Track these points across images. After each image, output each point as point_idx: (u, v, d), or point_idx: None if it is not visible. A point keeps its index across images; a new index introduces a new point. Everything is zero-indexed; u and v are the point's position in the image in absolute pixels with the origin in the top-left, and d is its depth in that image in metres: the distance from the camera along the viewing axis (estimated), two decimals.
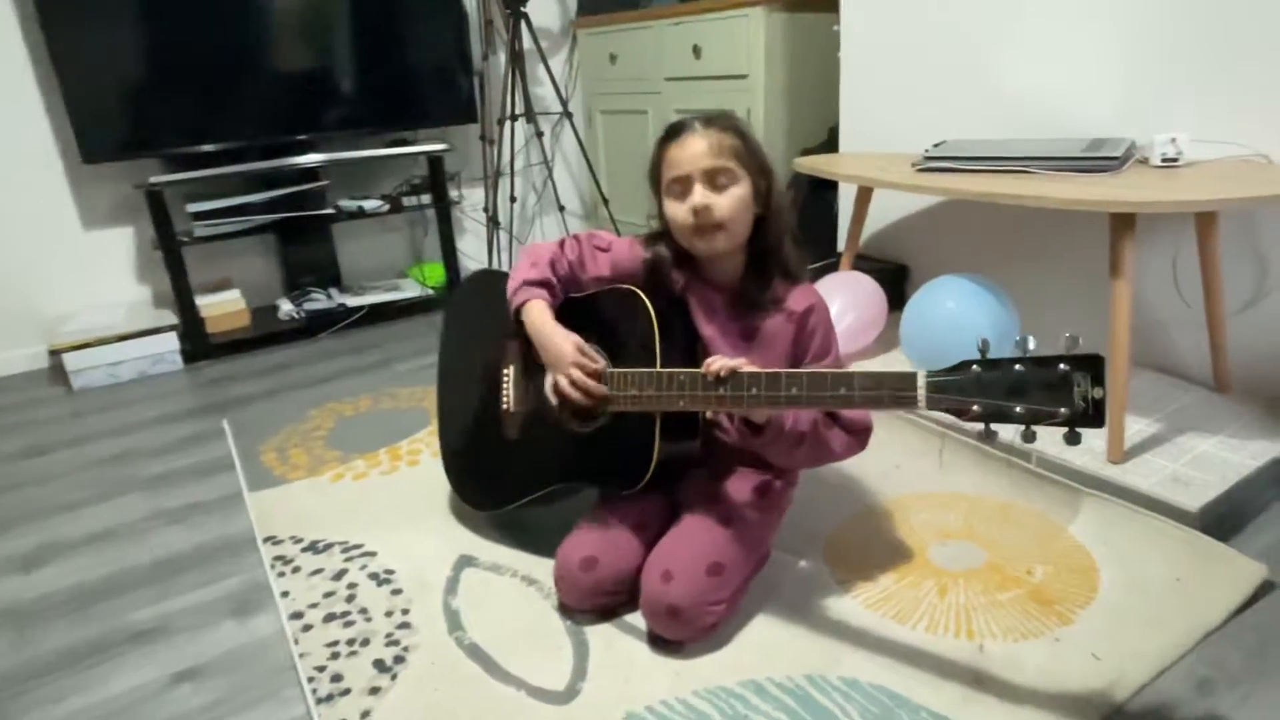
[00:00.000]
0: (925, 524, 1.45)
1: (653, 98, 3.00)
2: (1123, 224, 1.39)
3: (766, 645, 1.18)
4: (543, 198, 3.40)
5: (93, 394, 2.37)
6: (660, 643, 1.18)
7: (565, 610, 1.27)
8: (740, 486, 1.28)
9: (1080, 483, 1.49)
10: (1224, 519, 1.37)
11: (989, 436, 0.91)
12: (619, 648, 1.19)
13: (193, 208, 2.50)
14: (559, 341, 1.21)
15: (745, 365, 1.07)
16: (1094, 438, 1.55)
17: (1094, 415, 0.84)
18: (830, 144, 2.57)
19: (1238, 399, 1.69)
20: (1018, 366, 0.87)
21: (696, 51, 2.73)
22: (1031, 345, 0.88)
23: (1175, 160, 1.58)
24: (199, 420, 2.13)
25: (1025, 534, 1.40)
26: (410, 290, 2.93)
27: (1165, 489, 1.40)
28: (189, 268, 2.52)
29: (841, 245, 2.28)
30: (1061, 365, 0.85)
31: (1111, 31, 1.75)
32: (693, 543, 1.19)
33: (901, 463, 1.64)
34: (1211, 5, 1.59)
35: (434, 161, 2.82)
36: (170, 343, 2.50)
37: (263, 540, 1.53)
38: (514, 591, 1.34)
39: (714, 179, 1.17)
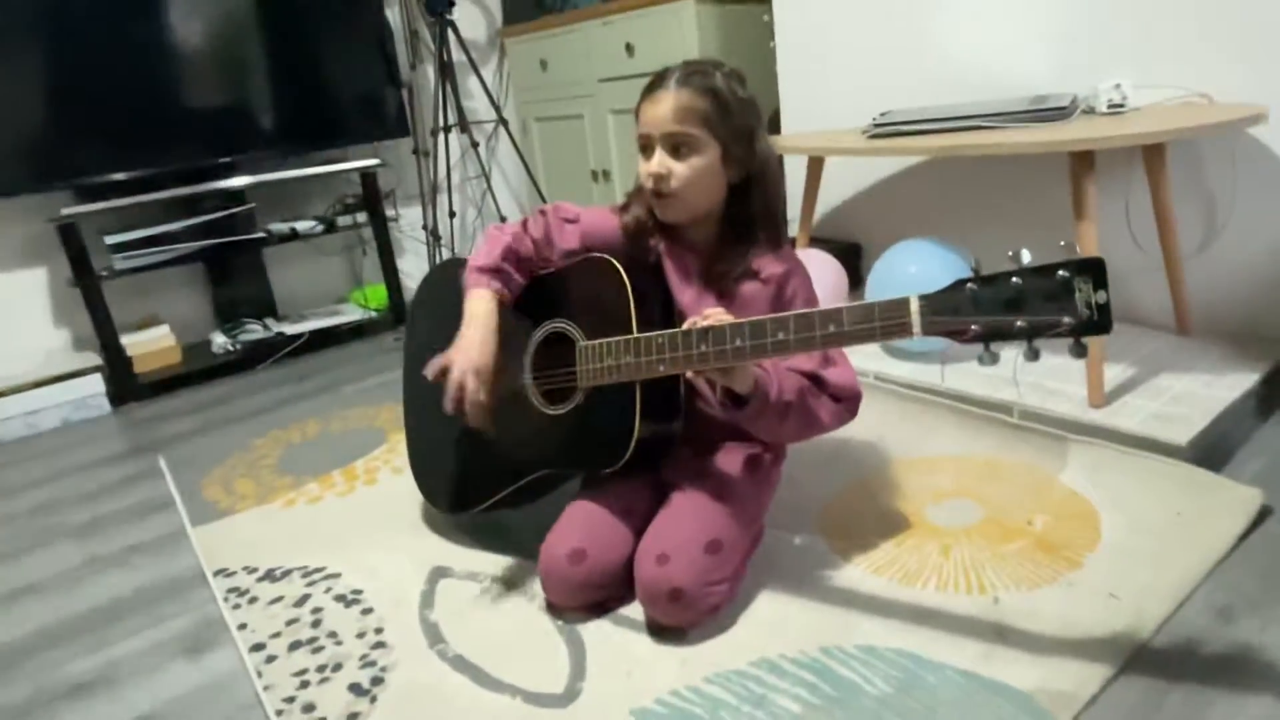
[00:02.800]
0: (916, 488, 1.40)
1: (587, 100, 2.95)
2: (1083, 164, 1.39)
3: (774, 622, 1.11)
4: (483, 211, 3.31)
5: (9, 447, 2.18)
6: (661, 631, 1.10)
7: (554, 610, 1.18)
8: (729, 461, 1.21)
9: (1065, 430, 1.47)
10: (1213, 450, 1.36)
11: (990, 359, 0.86)
12: (617, 642, 1.11)
13: (111, 239, 2.34)
14: (476, 342, 1.14)
15: (726, 317, 1.01)
16: (1074, 384, 1.54)
17: (1100, 320, 0.79)
18: (771, 132, 2.56)
19: (1201, 339, 1.70)
20: (1014, 279, 0.82)
21: (630, 50, 2.70)
22: (1026, 258, 0.83)
23: (1121, 106, 1.59)
24: (132, 461, 1.97)
25: (1017, 487, 1.36)
26: (352, 314, 2.80)
27: (1152, 426, 1.38)
28: (112, 305, 2.36)
29: (793, 229, 2.25)
30: (1061, 272, 0.80)
31: None
32: (687, 521, 1.12)
33: (882, 432, 1.60)
34: None
35: (367, 177, 2.71)
36: (95, 385, 2.32)
37: (213, 574, 1.39)
38: (497, 597, 1.24)
39: (675, 145, 1.11)
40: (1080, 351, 0.82)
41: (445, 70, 2.82)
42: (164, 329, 2.53)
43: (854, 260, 2.29)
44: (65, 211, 2.23)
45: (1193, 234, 1.70)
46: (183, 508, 1.66)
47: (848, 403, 1.15)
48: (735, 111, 1.12)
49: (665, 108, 1.10)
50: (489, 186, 3.10)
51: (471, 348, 1.14)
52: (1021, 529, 1.25)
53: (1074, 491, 1.33)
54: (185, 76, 2.43)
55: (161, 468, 1.88)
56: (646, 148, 1.13)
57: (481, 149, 3.07)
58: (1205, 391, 1.47)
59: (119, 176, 2.34)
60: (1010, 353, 1.40)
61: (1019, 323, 0.82)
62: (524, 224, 1.25)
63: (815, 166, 2.03)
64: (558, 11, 2.99)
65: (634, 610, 1.15)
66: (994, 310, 0.83)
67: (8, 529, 1.69)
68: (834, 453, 1.54)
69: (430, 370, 1.18)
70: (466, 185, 3.26)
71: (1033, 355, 0.84)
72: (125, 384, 2.38)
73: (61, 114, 2.26)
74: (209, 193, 2.47)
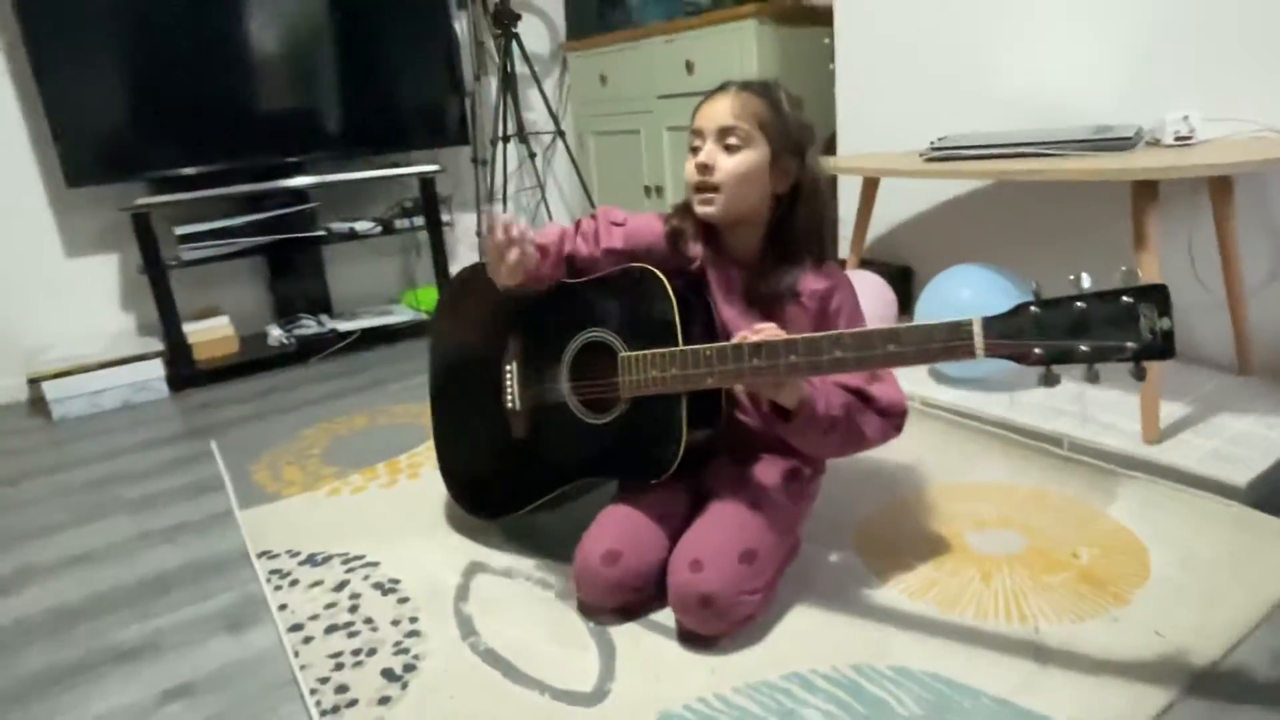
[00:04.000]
0: (957, 514, 1.38)
1: (645, 116, 2.99)
2: (1146, 194, 1.36)
3: (806, 637, 1.10)
4: (536, 220, 3.37)
5: (73, 423, 2.27)
6: (692, 639, 1.10)
7: (586, 610, 1.19)
8: (768, 471, 1.21)
9: (1116, 465, 1.43)
10: (1273, 494, 1.31)
11: (1051, 381, 0.85)
12: (647, 646, 1.11)
13: (180, 230, 2.44)
14: None
15: (779, 333, 1.02)
16: (1127, 419, 1.51)
17: (1164, 346, 0.79)
18: (827, 154, 2.56)
19: (1264, 380, 1.65)
20: (1078, 304, 0.82)
21: (689, 67, 2.73)
22: (1087, 283, 0.83)
23: (1188, 138, 1.55)
24: (186, 444, 2.03)
25: (1064, 518, 1.33)
26: (404, 315, 2.86)
27: (1209, 465, 1.34)
28: (176, 294, 2.44)
29: (845, 250, 2.25)
30: (1125, 298, 0.80)
31: (1108, 18, 1.75)
32: (722, 529, 1.12)
33: (923, 456, 1.58)
34: None
35: (426, 182, 2.77)
36: (155, 370, 2.41)
37: (257, 555, 1.43)
38: (530, 595, 1.25)
39: (725, 138, 1.13)
40: (1141, 374, 0.81)
41: (508, 81, 2.89)
42: (224, 320, 2.61)
43: (905, 284, 2.27)
44: (140, 202, 2.33)
45: (1258, 271, 1.65)
46: (232, 490, 1.71)
47: (894, 419, 1.15)
48: (790, 121, 1.14)
49: (723, 104, 1.13)
50: (543, 197, 3.15)
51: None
52: (1066, 561, 1.22)
53: (1123, 526, 1.29)
54: (259, 79, 2.53)
55: (213, 451, 1.94)
56: (697, 147, 1.15)
57: (538, 160, 3.13)
58: (1267, 433, 1.43)
59: (191, 171, 2.44)
60: (1068, 377, 1.38)
61: (1083, 347, 0.82)
62: (577, 225, 1.27)
63: (870, 188, 2.03)
64: (621, 27, 3.05)
65: (666, 615, 1.15)
66: (1058, 334, 0.83)
67: (68, 499, 1.76)
68: (873, 472, 1.53)
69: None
70: (521, 195, 3.32)
71: (1093, 378, 0.83)
72: (184, 370, 2.47)
73: (142, 109, 2.37)
74: (275, 190, 2.56)
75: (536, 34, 3.25)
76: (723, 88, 1.15)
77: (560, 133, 3.04)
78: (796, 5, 2.73)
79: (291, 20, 2.55)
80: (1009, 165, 1.54)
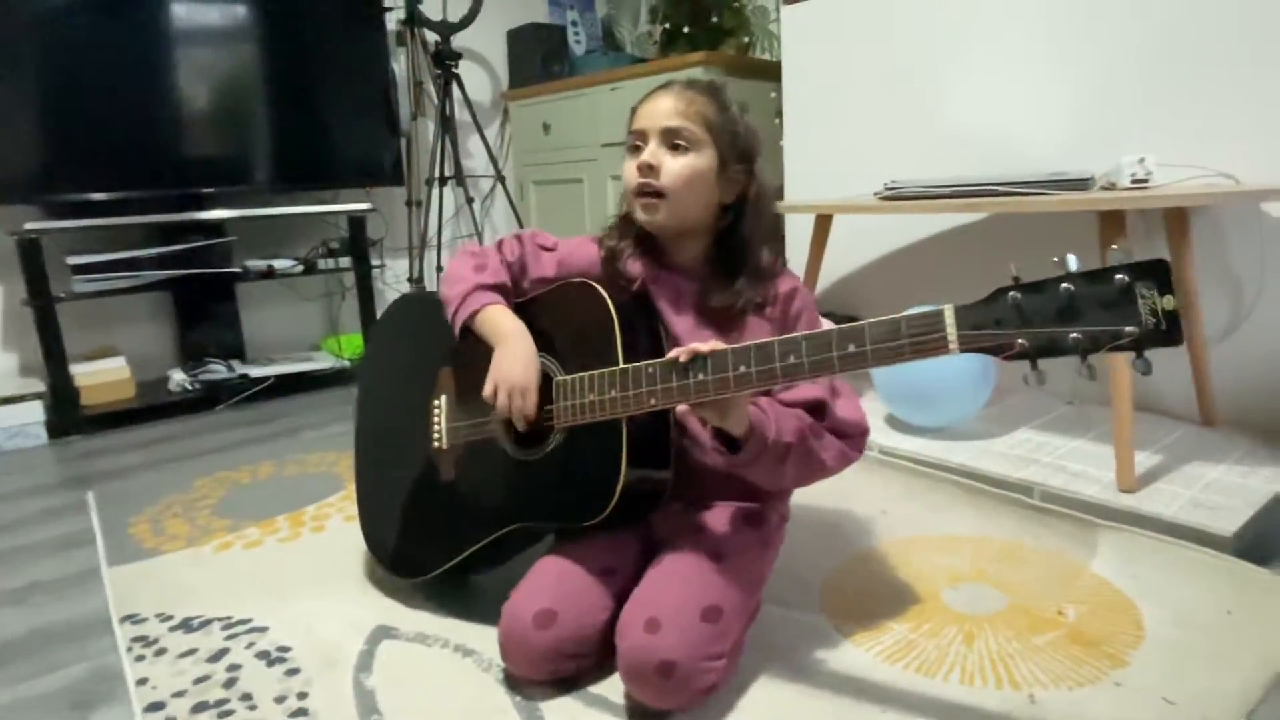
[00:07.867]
0: (929, 569, 1.25)
1: (589, 165, 2.91)
2: (1113, 226, 1.31)
3: (777, 711, 0.94)
4: None
5: None
6: (643, 715, 0.92)
7: (513, 682, 1.00)
8: (729, 518, 1.07)
9: (1092, 515, 1.33)
10: (1259, 544, 1.22)
11: (1037, 379, 0.74)
12: None
13: (73, 260, 2.21)
14: (520, 357, 1.02)
15: (724, 346, 0.89)
16: (1098, 467, 1.42)
17: (1169, 330, 0.68)
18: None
19: (1228, 432, 1.59)
20: (1065, 286, 0.71)
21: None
22: (1074, 264, 0.73)
23: (1145, 181, 1.53)
24: (58, 495, 1.77)
25: (1043, 573, 1.22)
26: (324, 362, 2.65)
27: (1191, 514, 1.25)
28: (69, 332, 2.19)
29: None
30: (1119, 276, 0.69)
31: (1056, 68, 1.75)
32: (680, 583, 0.96)
33: (888, 508, 1.46)
34: (1165, 34, 1.60)
35: (355, 222, 2.61)
36: (32, 413, 2.14)
37: (120, 619, 1.20)
38: (446, 664, 1.06)
39: (671, 140, 1.02)
40: (1145, 368, 0.70)
41: (446, 123, 2.78)
42: (119, 361, 2.37)
43: None
44: (29, 226, 2.11)
45: (1217, 320, 1.62)
46: (102, 545, 1.47)
47: (852, 440, 1.03)
48: (739, 125, 1.05)
49: (668, 103, 1.03)
50: (480, 244, 3.02)
51: (515, 363, 1.02)
52: (1053, 619, 1.10)
53: (1106, 581, 1.18)
54: (178, 103, 2.35)
55: (89, 503, 1.69)
56: (638, 147, 1.04)
57: (476, 206, 3.01)
58: (1243, 481, 1.36)
59: (96, 197, 2.23)
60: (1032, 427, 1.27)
61: (1074, 334, 0.71)
62: (499, 247, 1.14)
63: (821, 230, 1.96)
64: (565, 76, 3.00)
65: (609, 687, 0.98)
66: (1043, 321, 0.72)
67: None
68: (834, 524, 1.40)
69: (487, 394, 1.03)
70: (457, 243, 3.18)
71: (1089, 372, 0.72)
72: (68, 415, 2.20)
73: (43, 127, 2.17)
74: (187, 223, 2.36)
75: (477, 82, 3.18)
76: (666, 85, 1.05)
77: (501, 178, 2.94)
78: (743, 57, 2.73)
79: (218, 45, 2.39)
80: (971, 201, 1.48)
